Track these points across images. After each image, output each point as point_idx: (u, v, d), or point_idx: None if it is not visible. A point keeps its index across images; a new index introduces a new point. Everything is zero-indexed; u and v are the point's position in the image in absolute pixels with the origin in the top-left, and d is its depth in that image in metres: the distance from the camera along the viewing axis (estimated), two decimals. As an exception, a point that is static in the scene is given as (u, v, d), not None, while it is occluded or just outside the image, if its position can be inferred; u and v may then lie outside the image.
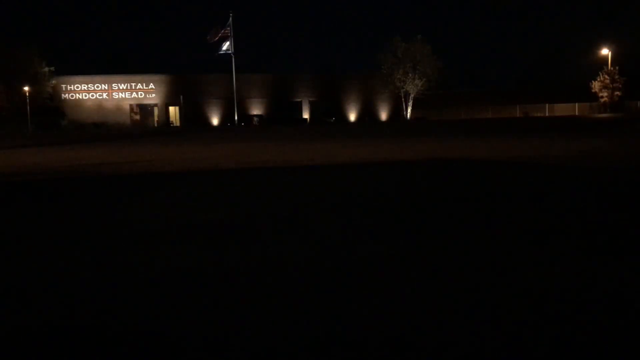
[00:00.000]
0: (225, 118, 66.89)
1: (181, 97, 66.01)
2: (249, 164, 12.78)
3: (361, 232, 4.94)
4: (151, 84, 67.44)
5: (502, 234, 4.70)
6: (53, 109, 64.01)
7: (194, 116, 66.20)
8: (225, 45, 57.25)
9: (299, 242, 4.56)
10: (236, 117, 60.79)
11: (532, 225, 5.03)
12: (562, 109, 62.33)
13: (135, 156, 16.77)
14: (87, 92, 66.34)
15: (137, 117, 67.34)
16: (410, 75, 66.66)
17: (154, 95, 67.62)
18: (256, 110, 68.97)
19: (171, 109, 68.20)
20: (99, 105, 66.34)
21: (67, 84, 65.62)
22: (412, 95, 68.21)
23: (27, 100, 58.81)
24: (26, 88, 59.31)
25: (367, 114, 71.93)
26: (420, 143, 19.67)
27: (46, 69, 62.11)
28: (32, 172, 11.97)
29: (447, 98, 70.54)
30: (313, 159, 13.52)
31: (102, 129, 59.31)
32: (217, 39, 57.23)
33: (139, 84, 67.18)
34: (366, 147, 18.65)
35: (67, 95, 65.75)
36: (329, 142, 21.87)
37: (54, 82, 63.40)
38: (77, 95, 66.18)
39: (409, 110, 69.07)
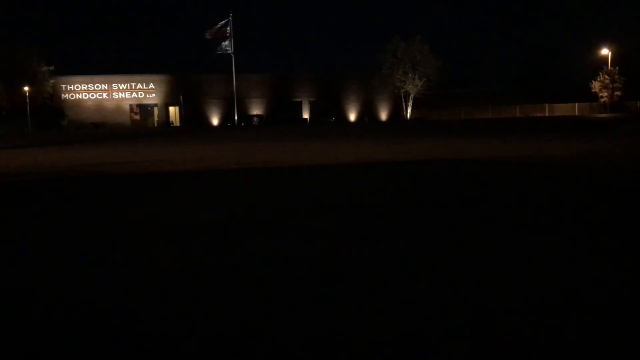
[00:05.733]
0: (225, 118, 66.95)
1: (181, 97, 66.07)
2: (250, 164, 12.79)
3: (362, 231, 4.94)
4: (151, 84, 67.51)
5: (502, 234, 4.70)
6: (53, 109, 64.08)
7: (194, 116, 66.26)
8: (225, 45, 57.22)
9: (300, 240, 4.56)
10: (236, 117, 60.83)
11: (533, 224, 5.03)
12: (562, 109, 62.39)
13: (136, 156, 16.78)
14: (87, 92, 66.40)
15: (137, 117, 67.42)
16: (410, 75, 66.74)
17: (154, 95, 67.68)
18: (256, 110, 69.04)
19: (171, 109, 68.28)
20: (99, 105, 66.38)
21: (67, 84, 65.67)
22: (412, 95, 68.28)
23: (27, 100, 58.86)
24: (26, 88, 59.35)
25: (367, 114, 72.01)
26: (420, 143, 19.69)
27: (45, 68, 62.18)
28: (32, 172, 11.98)
29: (447, 98, 70.64)
30: (313, 159, 13.53)
31: (102, 129, 59.35)
32: (215, 38, 57.18)
33: (139, 84, 67.25)
34: (366, 147, 18.65)
35: (67, 95, 65.79)
36: (329, 142, 21.88)
37: (52, 81, 63.45)
38: (77, 95, 66.22)
39: (409, 110, 69.12)
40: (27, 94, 58.95)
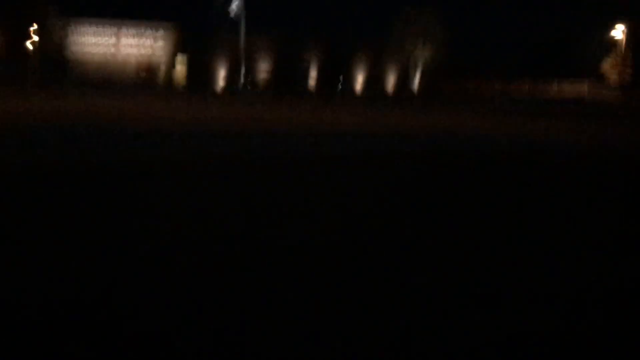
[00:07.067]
0: (232, 78, 66.34)
1: (187, 51, 65.38)
2: (251, 127, 12.75)
3: (358, 220, 4.92)
4: (160, 29, 66.79)
5: (498, 233, 4.69)
6: (60, 59, 63.42)
7: (200, 73, 65.61)
8: (235, 4, 56.25)
9: (297, 231, 4.58)
10: (242, 79, 60.32)
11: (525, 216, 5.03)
12: (572, 88, 61.64)
13: (138, 108, 16.70)
14: (95, 43, 65.88)
15: (144, 73, 66.75)
16: (420, 45, 65.78)
17: (161, 42, 66.98)
18: (263, 73, 68.47)
19: (178, 63, 67.35)
20: (106, 55, 65.95)
21: (75, 35, 64.92)
22: (420, 66, 67.45)
23: (36, 49, 58.22)
24: (35, 38, 58.64)
25: (375, 82, 71.28)
26: (425, 114, 19.57)
27: (55, 19, 61.20)
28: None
29: (456, 70, 69.69)
30: (317, 125, 13.49)
31: (108, 79, 58.88)
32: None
33: (148, 30, 66.56)
34: (371, 114, 18.54)
35: (74, 44, 65.17)
36: (335, 109, 21.72)
37: (60, 24, 62.25)
38: (85, 47, 65.69)
39: (417, 80, 68.38)
40: (35, 44, 58.27)
